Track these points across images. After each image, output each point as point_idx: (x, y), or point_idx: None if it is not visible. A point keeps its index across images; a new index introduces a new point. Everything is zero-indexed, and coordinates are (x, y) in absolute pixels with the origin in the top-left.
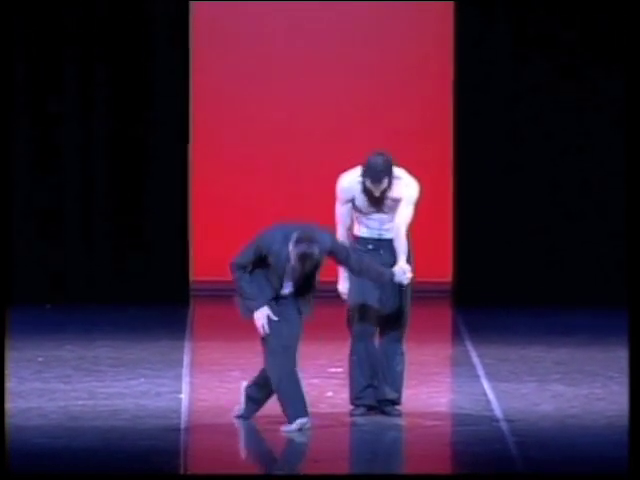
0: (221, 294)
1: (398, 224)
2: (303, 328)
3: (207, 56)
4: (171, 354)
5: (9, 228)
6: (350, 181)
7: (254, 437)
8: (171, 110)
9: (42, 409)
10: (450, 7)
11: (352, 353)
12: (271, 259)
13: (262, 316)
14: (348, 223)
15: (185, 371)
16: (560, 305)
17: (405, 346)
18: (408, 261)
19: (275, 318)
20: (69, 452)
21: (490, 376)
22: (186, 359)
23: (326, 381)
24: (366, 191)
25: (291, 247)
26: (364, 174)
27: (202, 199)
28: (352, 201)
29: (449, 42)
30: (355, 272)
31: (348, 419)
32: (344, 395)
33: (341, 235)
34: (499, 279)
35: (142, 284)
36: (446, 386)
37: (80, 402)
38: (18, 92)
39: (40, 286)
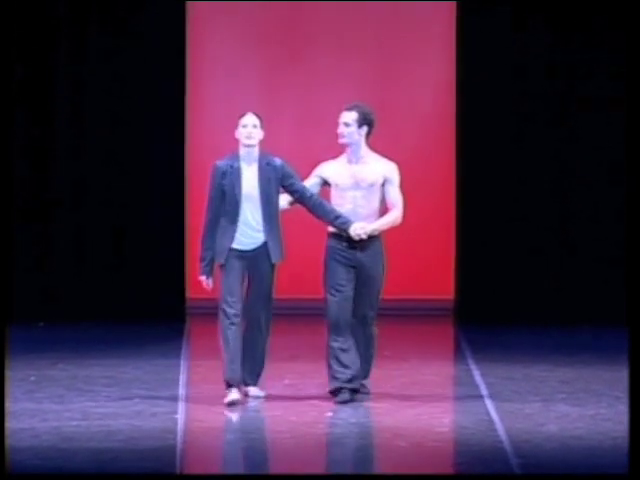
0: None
1: (395, 204)
2: (274, 278)
3: (203, 57)
4: (166, 373)
5: (9, 245)
6: (329, 162)
7: (252, 459)
8: (168, 120)
9: (35, 430)
10: (453, 7)
11: (333, 341)
12: (226, 184)
13: (202, 281)
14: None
15: (181, 391)
16: (565, 324)
17: (375, 328)
18: (379, 259)
19: (210, 286)
20: (63, 474)
21: (493, 396)
22: (182, 378)
23: (325, 401)
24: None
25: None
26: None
27: (199, 216)
28: (324, 182)
29: (452, 42)
30: (309, 204)
31: (347, 440)
32: (344, 415)
33: (285, 196)
34: (502, 297)
35: (137, 302)
36: (449, 406)
37: (73, 423)
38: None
39: (33, 304)
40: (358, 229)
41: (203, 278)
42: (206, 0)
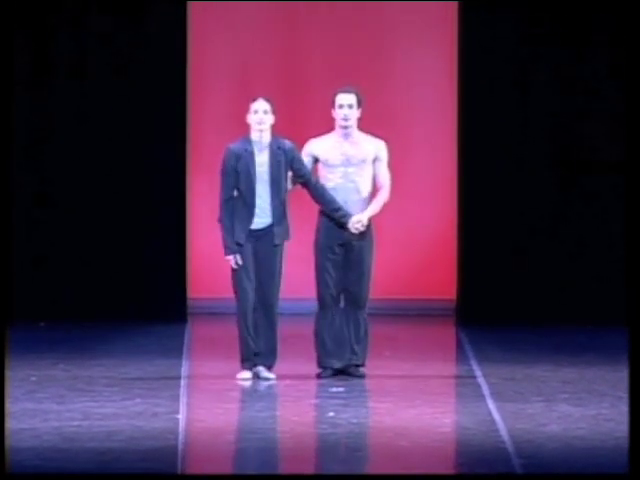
0: (219, 311)
1: (383, 184)
2: (281, 258)
3: (205, 57)
4: (168, 373)
5: (9, 245)
6: (318, 139)
7: (253, 459)
8: (169, 119)
9: (35, 430)
10: (454, 7)
11: (319, 318)
12: (240, 167)
13: (230, 260)
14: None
15: (182, 391)
16: (567, 324)
17: (366, 311)
18: (368, 238)
19: (239, 263)
20: (63, 474)
21: (495, 396)
22: (183, 378)
23: (327, 401)
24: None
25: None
26: (335, 93)
27: (199, 216)
28: (315, 160)
29: (453, 42)
30: (316, 195)
31: (351, 440)
32: (346, 415)
33: None
34: (504, 297)
35: (138, 302)
36: (450, 406)
37: (74, 423)
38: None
39: (33, 304)
40: (356, 223)
41: (230, 257)
42: (207, 0)
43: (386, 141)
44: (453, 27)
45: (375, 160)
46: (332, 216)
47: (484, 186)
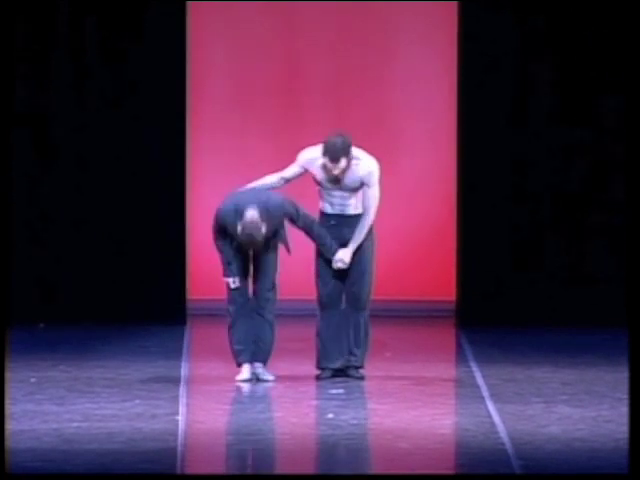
0: (219, 313)
1: (367, 207)
2: (277, 261)
3: (204, 57)
4: (167, 375)
5: (9, 245)
6: (313, 156)
7: (253, 460)
8: (169, 119)
9: (35, 431)
10: (454, 7)
11: (320, 319)
12: (229, 230)
13: (229, 281)
14: (287, 178)
15: (182, 392)
16: (567, 325)
17: (368, 313)
18: (367, 236)
19: (238, 285)
20: (63, 475)
21: (495, 397)
22: (183, 380)
23: (327, 402)
24: (325, 169)
25: (239, 228)
26: (323, 153)
27: (199, 217)
28: (308, 171)
29: (453, 42)
30: (306, 233)
31: (350, 442)
32: (345, 416)
33: (269, 178)
34: (504, 298)
35: (138, 303)
36: (450, 407)
37: (74, 424)
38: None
39: (33, 305)
40: (338, 262)
41: (229, 279)
42: (207, 0)
43: (385, 141)
44: (453, 27)
45: (364, 185)
46: (320, 250)
47: (484, 186)
